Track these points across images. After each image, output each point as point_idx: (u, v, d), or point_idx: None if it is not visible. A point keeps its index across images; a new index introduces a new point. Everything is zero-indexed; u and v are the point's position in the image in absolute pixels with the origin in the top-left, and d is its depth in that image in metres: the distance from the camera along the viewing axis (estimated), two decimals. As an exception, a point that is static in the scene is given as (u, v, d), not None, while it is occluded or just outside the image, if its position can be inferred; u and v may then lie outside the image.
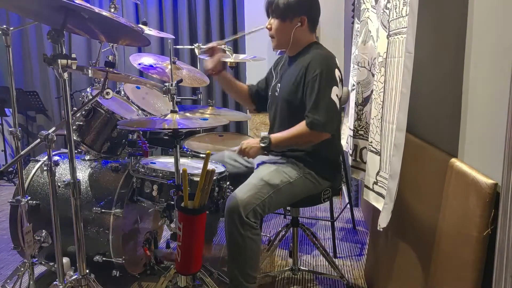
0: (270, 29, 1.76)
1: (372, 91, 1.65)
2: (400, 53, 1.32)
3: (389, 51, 1.43)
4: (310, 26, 1.76)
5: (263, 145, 1.68)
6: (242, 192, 1.61)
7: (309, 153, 1.73)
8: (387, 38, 1.45)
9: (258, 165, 1.82)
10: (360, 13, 1.91)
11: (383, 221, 1.41)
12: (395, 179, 1.35)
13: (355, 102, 1.94)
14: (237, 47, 4.08)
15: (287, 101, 1.76)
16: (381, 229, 1.41)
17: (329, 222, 2.59)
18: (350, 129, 2.06)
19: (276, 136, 1.70)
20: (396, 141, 1.31)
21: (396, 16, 1.36)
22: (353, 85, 2.06)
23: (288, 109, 1.76)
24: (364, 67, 1.83)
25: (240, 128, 4.26)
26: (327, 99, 1.62)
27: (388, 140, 1.41)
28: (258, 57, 2.73)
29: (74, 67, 1.20)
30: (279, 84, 1.83)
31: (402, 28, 1.31)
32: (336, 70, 1.67)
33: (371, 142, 1.59)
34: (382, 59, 1.49)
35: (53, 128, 1.27)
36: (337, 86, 1.65)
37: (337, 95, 1.65)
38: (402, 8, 1.33)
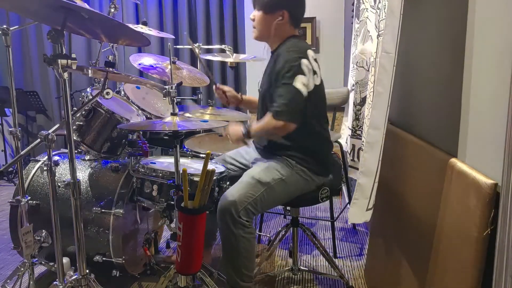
0: (253, 20, 1.78)
1: (368, 91, 1.66)
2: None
3: (378, 51, 1.43)
4: (292, 21, 1.74)
5: (243, 131, 1.66)
6: (234, 191, 1.61)
7: (298, 149, 1.72)
8: (377, 38, 1.45)
9: (253, 163, 1.82)
10: (359, 13, 1.92)
11: (352, 217, 1.42)
12: (368, 176, 1.36)
13: (354, 102, 1.94)
14: (237, 47, 4.08)
15: (265, 95, 1.76)
16: (350, 225, 1.43)
17: (329, 222, 2.59)
18: (349, 128, 2.07)
19: (253, 125, 1.68)
20: (370, 139, 1.32)
21: (385, 16, 1.36)
22: (353, 85, 2.07)
23: (266, 103, 1.75)
24: (363, 67, 1.83)
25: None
26: (288, 88, 1.58)
27: None
28: (258, 57, 2.73)
29: (74, 67, 1.20)
30: (260, 80, 1.84)
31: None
32: (304, 61, 1.61)
33: (363, 142, 1.59)
34: (373, 59, 1.50)
35: (53, 128, 1.27)
36: (303, 75, 1.59)
37: (303, 84, 1.59)
38: None
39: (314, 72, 1.65)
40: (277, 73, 1.63)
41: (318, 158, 1.76)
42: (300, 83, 1.59)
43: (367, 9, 1.79)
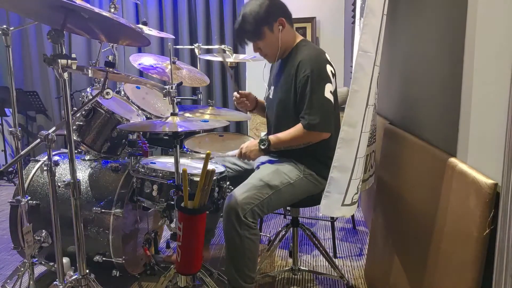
0: (259, 51, 1.77)
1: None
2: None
3: None
4: (289, 21, 1.75)
5: (262, 147, 1.69)
6: (241, 191, 1.61)
7: (309, 154, 1.72)
8: None
9: (259, 165, 1.82)
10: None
11: (324, 208, 1.44)
12: (342, 172, 1.37)
13: None
14: (237, 47, 4.08)
15: (280, 103, 1.76)
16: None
17: (329, 222, 2.59)
18: None
19: (275, 137, 1.70)
20: (344, 135, 1.34)
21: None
22: None
23: (282, 111, 1.75)
24: None
25: (240, 128, 4.26)
26: (321, 98, 1.61)
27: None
28: (258, 57, 2.73)
29: (74, 67, 1.20)
30: (272, 87, 1.84)
31: None
32: (328, 66, 1.65)
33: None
34: None
35: (53, 128, 1.27)
36: (330, 83, 1.64)
37: (331, 92, 1.63)
38: None
39: (333, 76, 1.68)
40: (303, 81, 1.62)
41: (327, 162, 1.76)
42: (329, 91, 1.63)
43: None
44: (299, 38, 1.79)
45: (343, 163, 1.37)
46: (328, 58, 1.70)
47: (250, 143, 1.74)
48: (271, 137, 1.70)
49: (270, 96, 1.84)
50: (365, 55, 1.28)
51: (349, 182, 1.39)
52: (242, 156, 1.74)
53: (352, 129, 1.34)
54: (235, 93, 1.95)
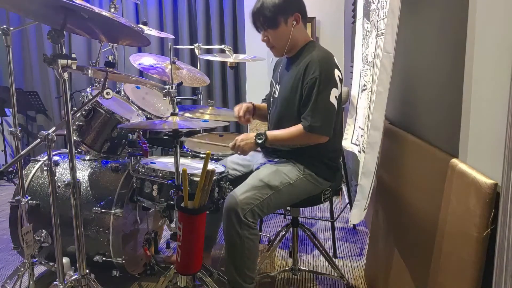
0: (267, 41, 1.74)
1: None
2: (381, 52, 1.33)
3: (376, 51, 1.43)
4: (303, 19, 1.74)
5: (258, 141, 1.68)
6: (241, 192, 1.61)
7: (309, 154, 1.72)
8: (376, 38, 1.45)
9: (258, 166, 1.82)
10: (369, 13, 1.91)
11: (354, 218, 1.43)
12: (368, 177, 1.36)
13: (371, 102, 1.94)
14: (237, 47, 4.08)
15: (285, 102, 1.75)
16: (351, 225, 1.44)
17: (329, 222, 2.59)
18: (360, 128, 2.06)
19: (272, 133, 1.69)
20: (371, 140, 1.33)
21: (383, 16, 1.36)
22: (364, 85, 2.06)
23: (285, 110, 1.75)
24: None
25: (240, 128, 4.26)
26: (325, 102, 1.61)
27: None
28: (258, 57, 2.73)
29: (74, 67, 1.20)
30: (278, 86, 1.83)
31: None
32: (336, 70, 1.65)
33: (364, 142, 1.60)
34: (371, 58, 1.50)
35: (53, 128, 1.27)
36: (336, 88, 1.64)
37: (335, 97, 1.64)
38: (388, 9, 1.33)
39: (340, 81, 1.68)
40: (311, 83, 1.62)
41: (327, 163, 1.77)
42: (334, 96, 1.63)
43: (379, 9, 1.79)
44: (309, 38, 1.79)
45: (368, 168, 1.37)
46: (337, 62, 1.70)
47: (246, 135, 1.71)
48: (269, 132, 1.69)
49: (276, 95, 1.83)
50: (388, 56, 1.28)
51: (371, 186, 1.39)
52: (235, 148, 1.70)
53: (377, 133, 1.33)
54: (237, 113, 1.90)
